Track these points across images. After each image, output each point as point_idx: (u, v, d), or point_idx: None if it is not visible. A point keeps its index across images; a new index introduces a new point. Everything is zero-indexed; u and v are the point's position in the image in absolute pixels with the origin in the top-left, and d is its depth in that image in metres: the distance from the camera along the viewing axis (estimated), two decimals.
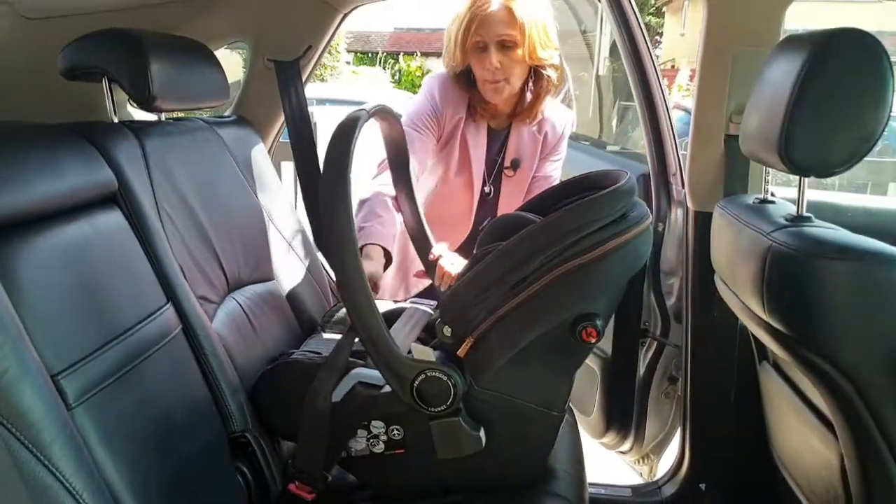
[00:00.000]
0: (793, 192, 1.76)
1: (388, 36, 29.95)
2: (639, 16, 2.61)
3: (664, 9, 27.87)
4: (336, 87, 13.49)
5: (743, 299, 1.83)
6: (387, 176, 2.22)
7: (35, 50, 2.16)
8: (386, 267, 2.25)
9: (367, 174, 2.45)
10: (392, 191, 2.23)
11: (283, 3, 2.51)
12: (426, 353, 1.57)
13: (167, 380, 1.60)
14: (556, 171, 2.69)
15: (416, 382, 1.55)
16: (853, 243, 1.53)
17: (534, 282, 1.48)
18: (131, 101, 2.03)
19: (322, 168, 1.53)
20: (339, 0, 2.53)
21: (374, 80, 21.36)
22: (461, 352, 1.55)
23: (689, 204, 2.37)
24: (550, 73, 2.46)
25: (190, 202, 1.92)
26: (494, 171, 2.63)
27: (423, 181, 2.55)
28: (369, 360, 1.65)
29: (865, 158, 1.63)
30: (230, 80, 2.24)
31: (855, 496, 1.65)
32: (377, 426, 1.66)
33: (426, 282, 2.53)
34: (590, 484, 2.03)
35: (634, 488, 2.78)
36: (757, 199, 1.99)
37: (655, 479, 2.80)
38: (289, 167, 4.60)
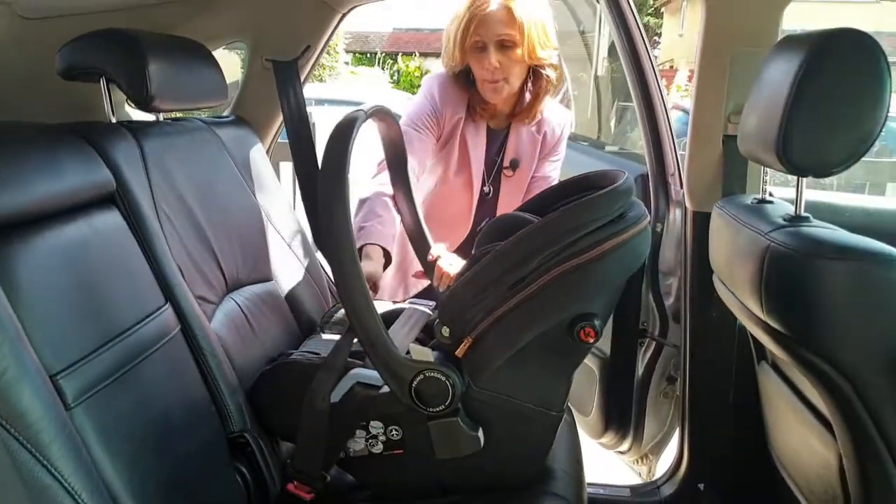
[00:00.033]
0: (791, 193, 1.76)
1: (386, 36, 29.96)
2: (637, 16, 2.61)
3: (663, 9, 27.87)
4: (334, 88, 13.49)
5: (741, 299, 1.84)
6: (387, 175, 2.22)
7: (33, 50, 2.16)
8: (385, 267, 2.25)
9: (367, 174, 2.45)
10: (392, 190, 2.23)
11: (282, 4, 2.51)
12: (424, 354, 1.57)
13: (166, 380, 1.60)
14: (554, 172, 2.69)
15: (415, 383, 1.55)
16: (851, 243, 1.54)
17: (532, 282, 1.48)
18: (129, 102, 2.02)
19: (320, 169, 1.53)
20: (338, 0, 2.53)
21: (373, 81, 21.36)
22: (459, 352, 1.56)
23: (688, 204, 2.37)
24: (549, 72, 2.46)
25: (188, 202, 1.92)
26: (494, 171, 2.63)
27: (423, 181, 2.55)
28: (368, 361, 1.65)
29: (863, 159, 1.63)
30: (228, 80, 2.24)
31: (853, 496, 1.65)
32: (376, 426, 1.66)
33: (425, 282, 2.53)
34: (588, 484, 2.03)
35: (633, 488, 2.78)
36: (755, 199, 1.99)
37: (654, 479, 2.80)
38: (287, 167, 4.60)
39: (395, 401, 1.60)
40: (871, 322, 1.55)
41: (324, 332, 2.06)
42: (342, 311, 2.07)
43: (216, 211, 2.01)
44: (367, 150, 2.27)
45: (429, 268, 2.21)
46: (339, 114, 1.64)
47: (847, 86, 1.57)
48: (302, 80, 2.63)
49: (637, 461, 2.98)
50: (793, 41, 1.65)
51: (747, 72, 2.05)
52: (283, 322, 2.15)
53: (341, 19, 2.64)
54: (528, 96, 2.52)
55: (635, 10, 2.61)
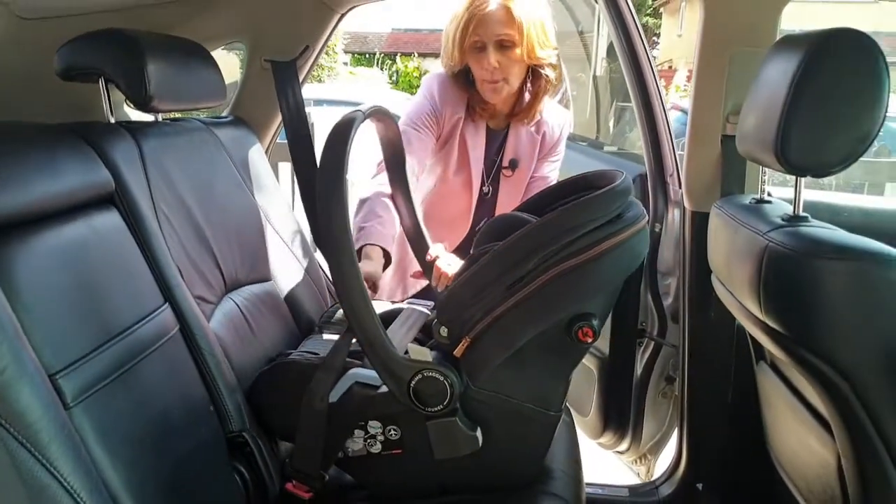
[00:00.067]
0: (790, 193, 1.76)
1: (385, 37, 29.99)
2: (636, 16, 2.61)
3: (661, 9, 27.89)
4: (333, 88, 13.47)
5: (740, 299, 1.84)
6: (386, 175, 2.22)
7: (31, 50, 2.16)
8: (385, 267, 2.25)
9: (366, 175, 2.45)
10: (392, 190, 2.23)
11: (281, 4, 2.51)
12: (423, 354, 1.57)
13: (165, 380, 1.60)
14: (553, 172, 2.69)
15: (413, 383, 1.56)
16: (850, 243, 1.54)
17: (530, 282, 1.49)
18: (128, 102, 2.02)
19: (318, 169, 1.53)
20: (336, 0, 2.53)
21: (372, 81, 21.36)
22: (458, 352, 1.56)
23: (686, 204, 2.37)
24: (549, 72, 2.46)
25: (187, 202, 1.92)
26: (493, 171, 2.63)
27: (423, 181, 2.55)
28: (366, 361, 1.65)
29: (862, 159, 1.63)
30: (227, 80, 2.24)
31: (852, 496, 1.65)
32: (374, 426, 1.66)
33: (424, 282, 2.53)
34: (587, 484, 2.03)
35: (632, 488, 2.78)
36: (754, 199, 1.99)
37: (653, 479, 2.80)
38: (286, 167, 4.60)
39: (394, 401, 1.60)
40: (869, 322, 1.55)
41: (323, 332, 2.06)
42: (341, 310, 2.07)
43: (215, 211, 2.01)
44: (366, 150, 2.27)
45: (427, 268, 2.21)
46: (338, 114, 1.64)
47: (846, 86, 1.57)
48: (300, 80, 2.63)
49: (636, 461, 2.98)
50: (791, 41, 1.65)
51: (746, 72, 2.05)
52: (282, 322, 2.15)
53: (340, 19, 2.64)
54: (527, 96, 2.52)
55: (634, 11, 2.61)
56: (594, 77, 5.30)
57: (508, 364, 1.57)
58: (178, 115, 2.45)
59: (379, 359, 1.56)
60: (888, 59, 1.56)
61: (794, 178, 1.72)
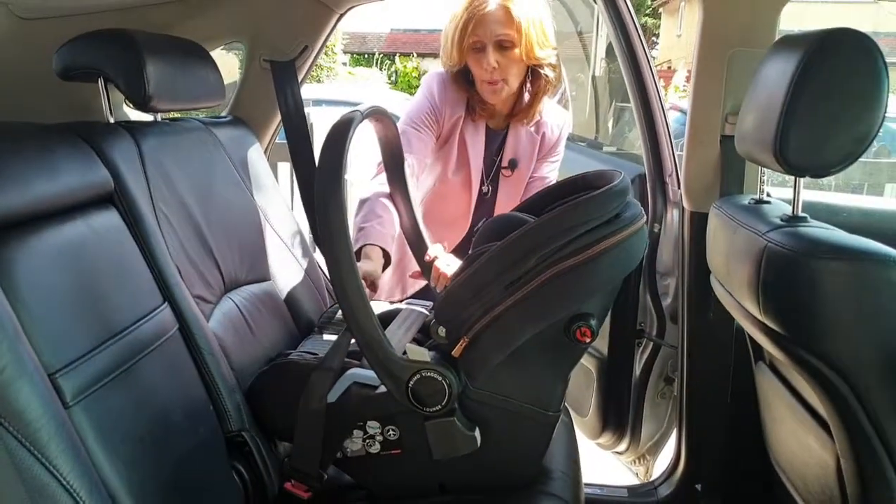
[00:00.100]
0: (789, 193, 1.76)
1: (384, 37, 30.00)
2: (635, 17, 2.61)
3: (661, 10, 27.90)
4: (332, 88, 13.48)
5: (739, 300, 1.84)
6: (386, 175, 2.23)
7: (31, 50, 2.16)
8: (385, 267, 2.25)
9: (367, 175, 2.45)
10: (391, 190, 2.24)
11: (279, 4, 2.51)
12: (421, 354, 1.57)
13: (164, 379, 1.60)
14: (552, 173, 2.69)
15: (411, 383, 1.56)
16: (849, 243, 1.54)
17: (528, 282, 1.48)
18: (127, 102, 2.03)
19: (316, 169, 1.53)
20: (335, 0, 2.53)
21: (371, 81, 21.36)
22: (456, 352, 1.56)
23: (685, 204, 2.37)
24: (548, 72, 2.46)
25: (186, 202, 1.92)
26: (492, 171, 2.63)
27: (422, 180, 2.55)
28: (365, 361, 1.65)
29: (862, 160, 1.63)
30: (226, 80, 2.24)
31: (851, 496, 1.65)
32: (373, 426, 1.66)
33: (423, 282, 2.53)
34: (586, 484, 2.03)
35: (630, 489, 2.78)
36: (753, 199, 2.00)
37: (651, 479, 2.80)
38: (285, 167, 4.60)
39: (393, 401, 1.60)
40: (868, 322, 1.55)
41: (322, 333, 2.06)
42: (341, 311, 2.08)
43: (214, 211, 2.01)
44: (366, 151, 2.27)
45: (426, 268, 2.21)
46: (337, 114, 1.64)
47: (845, 86, 1.57)
48: (299, 80, 2.63)
49: (634, 462, 2.98)
50: (790, 41, 1.65)
51: (745, 72, 2.06)
52: (282, 322, 2.15)
53: (339, 20, 2.64)
54: (526, 96, 2.52)
55: (632, 11, 2.61)
56: (593, 77, 5.29)
57: (507, 364, 1.57)
58: (177, 114, 2.45)
59: (377, 359, 1.56)
60: (887, 60, 1.56)
61: (793, 178, 1.72)
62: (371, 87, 17.48)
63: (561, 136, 2.67)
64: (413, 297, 2.66)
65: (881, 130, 1.59)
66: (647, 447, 2.90)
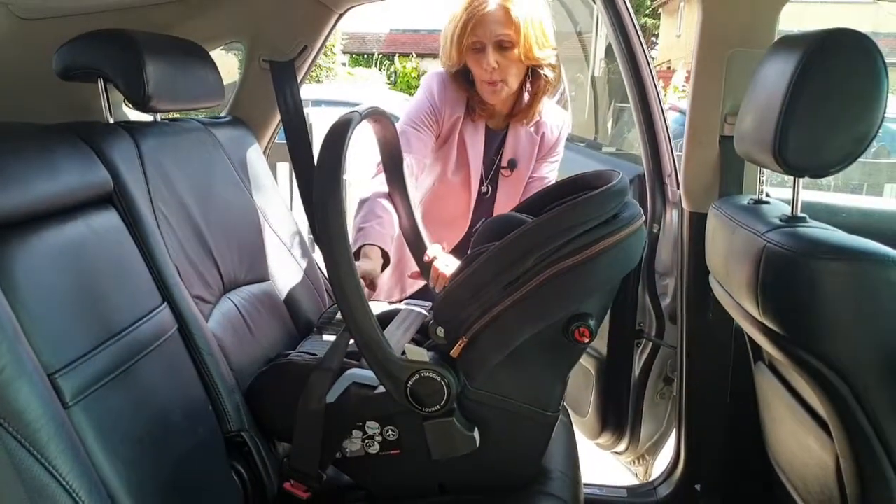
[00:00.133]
0: (788, 193, 1.76)
1: (383, 37, 29.99)
2: (634, 17, 2.61)
3: (660, 10, 27.89)
4: (331, 89, 13.48)
5: (738, 300, 1.84)
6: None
7: (30, 50, 2.16)
8: (384, 267, 2.25)
9: (366, 175, 2.45)
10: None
11: (279, 4, 2.51)
12: (420, 354, 1.57)
13: (163, 379, 1.60)
14: (552, 173, 2.69)
15: (410, 383, 1.56)
16: (848, 244, 1.54)
17: (526, 282, 1.49)
18: (127, 102, 2.03)
19: (315, 170, 1.53)
20: (335, 1, 2.53)
21: (370, 82, 21.35)
22: (454, 352, 1.56)
23: (684, 205, 2.37)
24: (548, 72, 2.46)
25: (185, 202, 1.92)
26: (492, 171, 2.63)
27: (422, 180, 2.55)
28: (364, 361, 1.65)
29: (861, 160, 1.63)
30: (226, 81, 2.24)
31: (850, 496, 1.65)
32: (372, 427, 1.66)
33: (422, 282, 2.54)
34: (585, 484, 2.04)
35: (630, 489, 2.78)
36: (752, 199, 1.99)
37: (651, 479, 2.80)
38: (284, 168, 4.60)
39: (391, 401, 1.60)
40: (867, 322, 1.55)
41: (322, 333, 2.06)
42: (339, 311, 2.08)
43: (213, 211, 2.01)
44: (366, 151, 2.27)
45: (425, 268, 2.21)
46: (336, 114, 1.64)
47: (844, 86, 1.57)
48: (299, 80, 2.63)
49: (634, 462, 2.98)
50: (790, 41, 1.65)
51: (744, 72, 2.06)
52: (281, 322, 2.15)
53: (338, 20, 2.64)
54: (526, 96, 2.52)
55: (632, 11, 2.61)
56: (592, 78, 5.28)
57: (505, 364, 1.57)
58: (176, 115, 2.45)
59: (376, 359, 1.56)
60: (887, 60, 1.56)
61: (792, 178, 1.72)
62: (370, 88, 17.47)
63: (560, 136, 2.67)
64: (412, 297, 2.66)
65: (880, 131, 1.59)
66: (647, 447, 2.90)
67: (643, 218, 1.60)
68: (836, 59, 1.57)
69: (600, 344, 2.80)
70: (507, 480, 1.74)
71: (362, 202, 2.34)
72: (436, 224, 2.45)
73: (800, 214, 1.72)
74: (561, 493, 1.75)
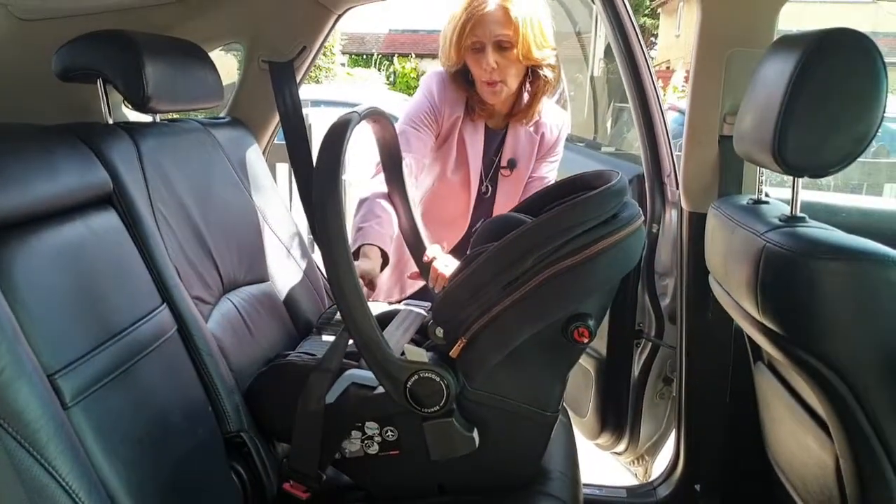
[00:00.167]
0: (787, 193, 1.76)
1: (382, 37, 29.95)
2: (633, 17, 2.61)
3: (659, 10, 27.89)
4: (330, 89, 13.48)
5: (737, 300, 1.84)
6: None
7: (30, 51, 2.16)
8: (383, 267, 2.25)
9: (366, 175, 2.45)
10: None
11: (278, 5, 2.51)
12: (419, 355, 1.57)
13: (163, 380, 1.60)
14: (551, 173, 2.69)
15: (409, 383, 1.56)
16: (847, 243, 1.54)
17: (525, 282, 1.49)
18: (126, 103, 2.03)
19: (314, 171, 1.53)
20: (333, 1, 2.53)
21: (369, 82, 21.34)
22: (454, 353, 1.56)
23: (684, 205, 2.37)
24: (547, 73, 2.46)
25: (185, 203, 1.92)
26: (491, 171, 2.63)
27: (421, 180, 2.55)
28: (363, 362, 1.65)
29: (861, 160, 1.63)
30: (225, 81, 2.24)
31: (850, 497, 1.65)
32: (371, 427, 1.66)
33: (422, 282, 2.54)
34: (584, 485, 2.04)
35: (629, 489, 2.78)
36: (751, 199, 1.99)
37: (650, 479, 2.80)
38: (283, 168, 4.60)
39: (391, 402, 1.60)
40: (866, 323, 1.54)
41: (321, 334, 2.06)
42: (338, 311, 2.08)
43: (213, 212, 2.01)
44: (365, 151, 2.27)
45: (424, 268, 2.21)
46: (335, 115, 1.64)
47: (843, 86, 1.57)
48: (298, 81, 2.63)
49: (633, 462, 2.98)
50: (789, 41, 1.65)
51: (743, 72, 2.05)
52: (280, 323, 2.15)
53: (337, 20, 2.64)
54: (526, 96, 2.53)
55: (631, 11, 2.61)
56: (591, 78, 5.29)
57: (505, 365, 1.57)
58: (175, 115, 2.45)
59: (375, 360, 1.56)
60: (886, 60, 1.55)
61: (791, 178, 1.72)
62: (369, 88, 17.47)
63: (560, 136, 2.67)
64: (412, 297, 2.66)
65: (880, 130, 1.59)
66: (646, 447, 2.90)
67: (642, 218, 1.60)
68: (836, 58, 1.57)
69: (600, 344, 2.80)
70: (507, 481, 1.74)
71: (361, 202, 2.34)
72: (435, 224, 2.46)
73: (799, 214, 1.72)
74: (560, 493, 1.75)
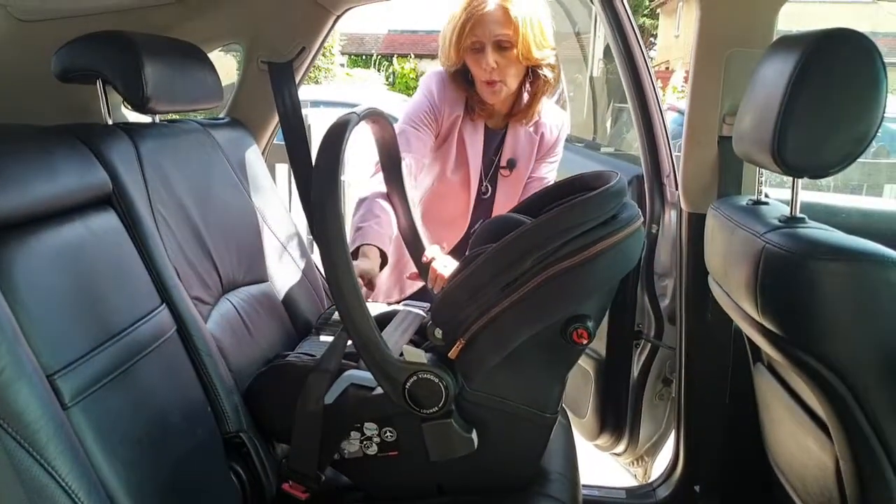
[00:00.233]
0: (787, 194, 1.75)
1: (382, 38, 29.94)
2: (632, 17, 2.61)
3: (658, 10, 27.89)
4: (330, 90, 13.48)
5: (737, 301, 1.83)
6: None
7: (29, 52, 2.16)
8: (382, 267, 2.25)
9: (365, 175, 2.45)
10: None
11: (277, 6, 2.51)
12: (418, 356, 1.57)
13: (162, 380, 1.60)
14: (551, 174, 2.69)
15: (408, 384, 1.56)
16: (847, 244, 1.53)
17: (524, 283, 1.49)
18: (125, 103, 2.03)
19: (313, 171, 1.53)
20: (333, 2, 2.53)
21: (368, 83, 21.34)
22: (452, 354, 1.56)
23: (683, 205, 2.37)
24: (547, 73, 2.46)
25: (184, 203, 1.92)
26: (491, 171, 2.63)
27: (421, 180, 2.55)
28: (362, 362, 1.65)
29: (860, 160, 1.63)
30: (224, 82, 2.24)
31: (850, 498, 1.65)
32: (370, 428, 1.66)
33: (421, 283, 2.54)
34: (584, 486, 2.04)
35: (629, 490, 2.78)
36: (751, 200, 1.99)
37: (650, 481, 2.80)
38: (283, 169, 4.60)
39: (389, 402, 1.60)
40: (866, 324, 1.54)
41: (320, 334, 2.06)
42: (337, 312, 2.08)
43: (212, 212, 2.01)
44: (364, 151, 2.27)
45: (423, 269, 2.21)
46: (335, 115, 1.64)
47: (843, 86, 1.57)
48: (297, 81, 2.63)
49: (633, 463, 2.98)
50: (788, 41, 1.65)
51: (742, 73, 2.05)
52: (279, 323, 2.15)
53: (336, 21, 2.64)
54: (525, 97, 2.53)
55: (630, 12, 2.61)
56: (591, 78, 5.28)
57: (503, 366, 1.57)
58: (175, 116, 2.45)
59: (373, 360, 1.56)
60: (886, 60, 1.55)
61: (791, 179, 1.72)
62: (369, 89, 17.47)
63: (559, 136, 2.67)
64: (411, 298, 2.65)
65: (880, 131, 1.59)
66: (646, 448, 2.90)
67: (641, 219, 1.60)
68: (835, 59, 1.57)
69: (599, 345, 2.80)
70: (506, 482, 1.74)
71: (361, 201, 2.34)
72: (435, 224, 2.46)
73: (799, 215, 1.72)
74: (560, 494, 1.75)
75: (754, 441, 2.25)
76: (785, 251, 1.56)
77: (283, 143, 2.64)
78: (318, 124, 4.43)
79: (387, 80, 24.77)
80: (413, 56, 26.55)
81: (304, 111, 2.63)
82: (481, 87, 2.44)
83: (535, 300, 1.49)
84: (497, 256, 1.51)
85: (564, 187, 1.84)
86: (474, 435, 1.62)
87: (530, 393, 1.65)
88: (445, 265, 2.14)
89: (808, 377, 1.60)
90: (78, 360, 1.37)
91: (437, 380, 1.55)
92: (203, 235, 1.94)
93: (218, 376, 1.75)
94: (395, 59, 26.29)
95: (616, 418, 2.86)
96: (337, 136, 1.54)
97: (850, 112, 1.57)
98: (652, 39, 27.10)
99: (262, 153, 2.63)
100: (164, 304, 1.70)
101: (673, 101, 13.21)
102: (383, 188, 2.27)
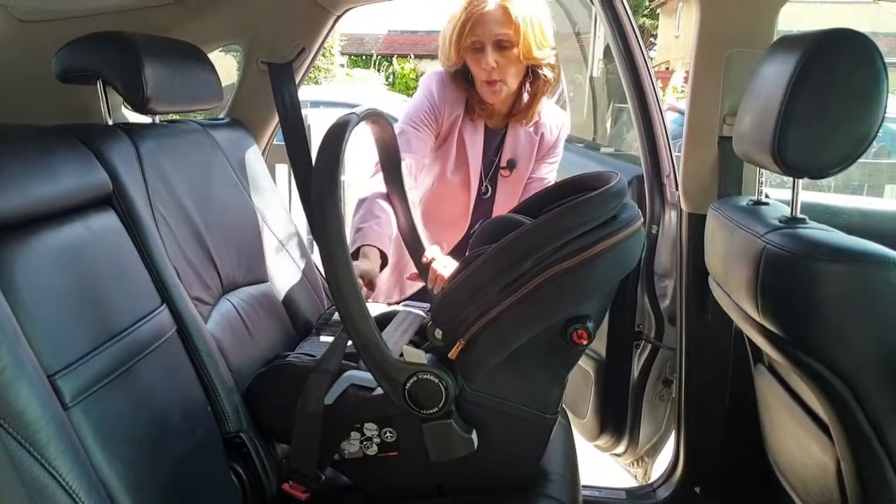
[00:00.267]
0: (787, 194, 1.75)
1: (382, 38, 29.95)
2: (632, 18, 2.61)
3: (658, 10, 27.89)
4: (330, 90, 13.49)
5: (737, 301, 1.83)
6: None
7: (30, 53, 2.16)
8: (382, 267, 2.25)
9: (365, 175, 2.45)
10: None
11: (277, 6, 2.52)
12: (418, 356, 1.57)
13: (162, 380, 1.60)
14: (551, 174, 2.69)
15: (408, 385, 1.56)
16: (847, 245, 1.53)
17: (524, 284, 1.49)
18: (126, 104, 2.03)
19: (313, 171, 1.53)
20: (332, 2, 2.53)
21: (368, 83, 21.34)
22: (452, 354, 1.56)
23: (683, 206, 2.37)
24: (547, 72, 2.46)
25: (184, 204, 1.92)
26: (491, 171, 2.63)
27: (421, 180, 2.55)
28: (362, 363, 1.65)
29: (861, 160, 1.62)
30: (224, 82, 2.24)
31: (851, 498, 1.64)
32: (370, 428, 1.66)
33: (421, 283, 2.54)
34: (584, 486, 2.03)
35: (629, 491, 2.78)
36: (751, 200, 1.99)
37: (650, 481, 2.80)
38: (283, 169, 4.60)
39: (389, 403, 1.60)
40: (867, 324, 1.54)
41: (320, 334, 2.06)
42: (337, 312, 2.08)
43: (212, 212, 2.01)
44: (364, 151, 2.27)
45: (423, 270, 2.21)
46: (334, 116, 1.64)
47: (843, 86, 1.56)
48: (297, 82, 2.63)
49: (633, 464, 2.98)
50: (788, 41, 1.65)
51: (743, 73, 2.05)
52: (279, 323, 2.15)
53: (336, 21, 2.64)
54: (525, 96, 2.53)
55: (630, 12, 2.61)
56: (591, 78, 5.28)
57: (503, 366, 1.57)
58: (175, 116, 2.45)
59: (373, 361, 1.56)
60: (886, 60, 1.55)
61: (791, 179, 1.72)
62: (368, 89, 17.47)
63: (559, 136, 2.67)
64: (411, 298, 2.65)
65: (880, 131, 1.59)
66: (646, 449, 2.90)
67: (641, 219, 1.60)
68: (836, 59, 1.56)
69: (599, 345, 2.79)
70: (506, 482, 1.74)
71: (361, 202, 2.34)
72: (435, 224, 2.46)
73: (799, 216, 1.72)
74: (559, 494, 1.75)
75: (755, 442, 2.24)
76: (785, 252, 1.56)
77: (283, 143, 2.64)
78: (318, 124, 4.43)
79: (387, 80, 24.78)
80: (413, 56, 26.57)
81: (303, 111, 2.63)
82: (481, 86, 2.44)
83: (536, 301, 1.49)
84: (497, 257, 1.50)
85: (564, 188, 1.84)
86: (474, 435, 1.62)
87: (530, 393, 1.65)
88: (445, 266, 2.14)
89: (808, 378, 1.60)
90: (78, 361, 1.37)
91: (437, 380, 1.55)
92: (203, 236, 1.94)
93: (218, 376, 1.75)
94: (394, 60, 26.30)
95: (616, 419, 2.86)
96: (337, 136, 1.54)
97: (851, 112, 1.57)
98: (652, 39, 27.12)
99: (262, 153, 2.63)
100: (165, 305, 1.70)
101: (673, 101, 13.21)
102: (383, 188, 2.26)
